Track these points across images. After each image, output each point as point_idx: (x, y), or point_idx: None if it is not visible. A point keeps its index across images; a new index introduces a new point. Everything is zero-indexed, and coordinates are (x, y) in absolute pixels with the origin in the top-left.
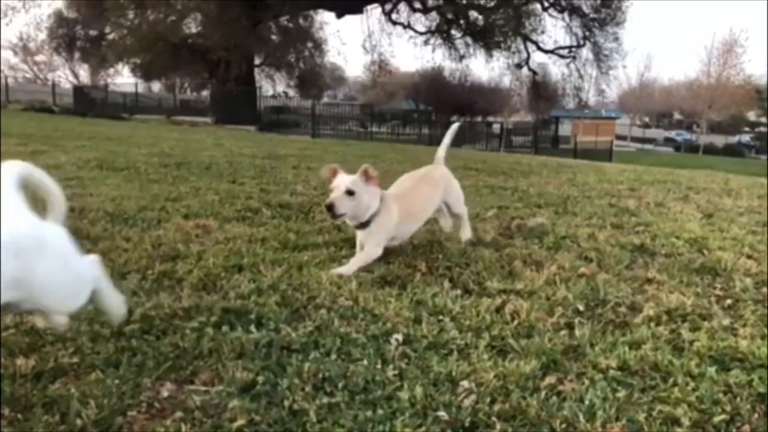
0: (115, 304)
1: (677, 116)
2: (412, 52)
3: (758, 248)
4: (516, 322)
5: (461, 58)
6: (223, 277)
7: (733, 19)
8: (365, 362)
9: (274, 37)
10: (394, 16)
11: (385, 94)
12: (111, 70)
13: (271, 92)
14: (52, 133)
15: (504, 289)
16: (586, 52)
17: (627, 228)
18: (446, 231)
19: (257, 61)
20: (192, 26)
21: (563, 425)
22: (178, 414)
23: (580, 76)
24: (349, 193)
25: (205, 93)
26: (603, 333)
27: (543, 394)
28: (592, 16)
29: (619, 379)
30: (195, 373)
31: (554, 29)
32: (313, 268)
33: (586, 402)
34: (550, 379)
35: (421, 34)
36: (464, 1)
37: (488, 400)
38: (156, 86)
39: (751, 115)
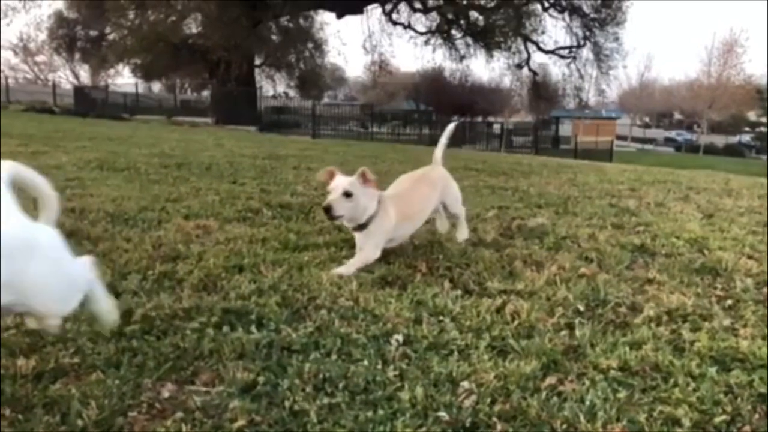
0: (107, 308)
1: (677, 116)
2: (413, 53)
3: (759, 248)
4: (516, 322)
5: (462, 58)
6: (224, 277)
7: (733, 19)
8: (366, 363)
9: (274, 37)
10: (394, 16)
11: (385, 94)
12: (111, 71)
13: (271, 93)
14: (53, 134)
15: (504, 290)
16: (586, 53)
17: (627, 228)
18: (441, 232)
19: (258, 61)
20: (192, 26)
21: (564, 426)
22: (179, 414)
23: (581, 77)
24: (347, 194)
25: (206, 93)
26: (603, 333)
27: (543, 394)
28: (592, 16)
29: (620, 379)
30: (196, 374)
31: (554, 29)
32: (314, 269)
33: (587, 402)
34: (551, 380)
35: (422, 34)
36: (465, 2)
37: (489, 400)
38: (156, 87)
39: (752, 115)
